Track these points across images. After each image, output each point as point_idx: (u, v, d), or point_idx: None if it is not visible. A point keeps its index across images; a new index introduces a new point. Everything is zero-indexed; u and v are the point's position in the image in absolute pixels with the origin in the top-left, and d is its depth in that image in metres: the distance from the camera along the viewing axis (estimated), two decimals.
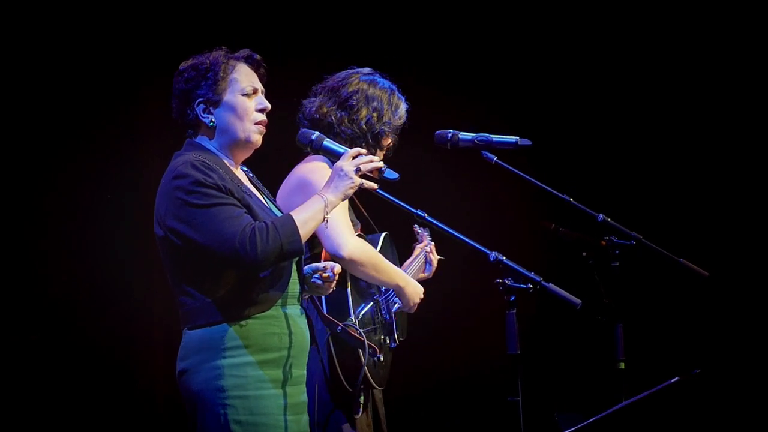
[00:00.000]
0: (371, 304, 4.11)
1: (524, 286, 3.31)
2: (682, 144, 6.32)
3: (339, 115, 4.17)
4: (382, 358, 4.04)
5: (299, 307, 3.43)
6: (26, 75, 5.30)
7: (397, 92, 4.30)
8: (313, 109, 4.19)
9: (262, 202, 3.46)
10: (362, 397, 4.02)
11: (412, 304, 4.17)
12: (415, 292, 4.18)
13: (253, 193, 3.44)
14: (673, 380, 3.55)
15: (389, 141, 4.27)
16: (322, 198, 3.35)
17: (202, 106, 3.39)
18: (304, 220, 3.30)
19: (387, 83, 4.30)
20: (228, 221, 3.20)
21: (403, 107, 4.30)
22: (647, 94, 6.36)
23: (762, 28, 6.15)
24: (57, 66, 5.36)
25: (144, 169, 5.55)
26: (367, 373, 3.97)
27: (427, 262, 4.57)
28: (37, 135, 5.34)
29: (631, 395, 3.64)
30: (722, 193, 6.26)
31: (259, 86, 3.46)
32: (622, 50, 6.34)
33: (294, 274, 3.41)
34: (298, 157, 4.16)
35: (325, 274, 3.50)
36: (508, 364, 3.32)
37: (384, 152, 4.28)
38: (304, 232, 3.29)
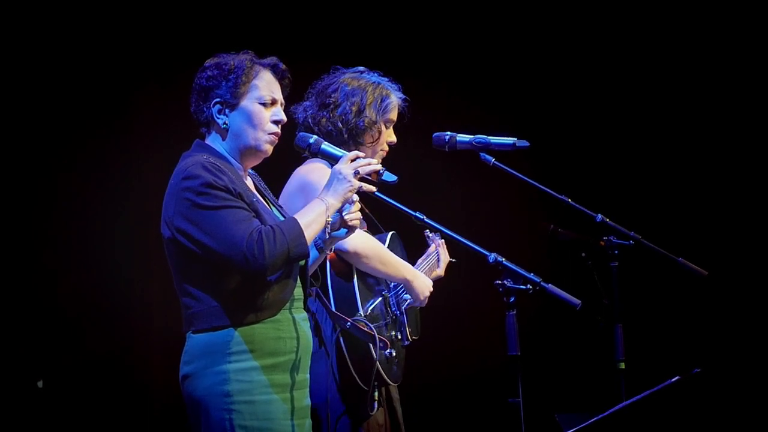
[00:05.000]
0: (380, 299, 4.10)
1: (524, 287, 3.31)
2: (680, 143, 6.33)
3: (320, 115, 4.18)
4: (394, 353, 4.05)
5: (304, 311, 3.43)
6: (24, 80, 5.30)
7: (386, 84, 4.27)
8: (300, 114, 4.20)
9: (267, 207, 3.46)
10: (377, 394, 4.01)
11: (422, 298, 4.17)
12: (425, 285, 4.18)
13: (259, 198, 3.44)
14: (673, 380, 3.55)
15: (373, 136, 4.21)
16: (323, 201, 3.35)
17: (218, 106, 3.38)
18: (308, 223, 3.29)
19: (374, 77, 4.28)
20: (237, 225, 3.20)
21: (394, 98, 4.26)
22: (645, 94, 6.36)
23: (762, 28, 6.15)
24: (56, 73, 5.36)
25: (141, 173, 5.55)
26: (380, 368, 3.96)
27: (439, 260, 4.55)
28: (35, 138, 5.34)
29: (631, 395, 3.64)
30: (720, 192, 6.26)
31: (279, 97, 3.44)
32: (620, 50, 6.34)
33: (299, 278, 3.41)
34: (301, 159, 4.17)
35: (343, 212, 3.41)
36: (508, 365, 3.32)
37: (373, 147, 4.23)
38: (309, 235, 3.28)
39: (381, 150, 4.28)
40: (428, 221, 3.41)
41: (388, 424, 4.18)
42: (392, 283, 4.18)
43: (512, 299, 3.34)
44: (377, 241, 4.07)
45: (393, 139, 4.32)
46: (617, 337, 4.27)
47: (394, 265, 4.10)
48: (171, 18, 5.62)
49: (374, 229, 4.39)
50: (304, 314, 3.43)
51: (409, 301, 4.20)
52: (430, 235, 4.64)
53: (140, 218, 5.42)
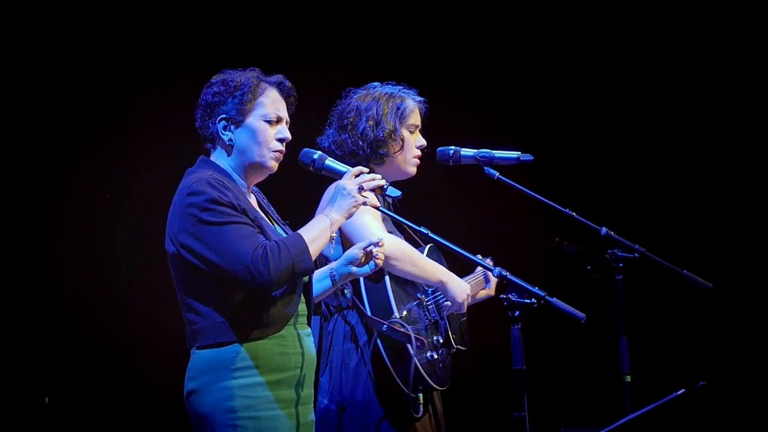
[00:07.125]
0: (416, 302, 4.07)
1: (528, 301, 3.31)
2: (684, 156, 6.33)
3: (341, 138, 4.19)
4: (435, 356, 4.02)
5: (308, 327, 3.44)
6: (25, 80, 5.31)
7: (399, 92, 4.26)
8: (325, 142, 4.22)
9: (270, 224, 3.46)
10: (421, 396, 3.98)
11: (459, 300, 4.10)
12: (461, 288, 4.12)
13: (262, 215, 3.44)
14: (679, 392, 3.56)
15: (397, 144, 4.19)
16: (327, 217, 3.37)
17: (223, 122, 3.40)
18: (312, 238, 3.31)
19: (386, 88, 4.28)
20: (241, 240, 3.21)
21: (410, 102, 4.23)
22: (649, 108, 6.37)
23: (762, 33, 6.16)
24: (56, 72, 5.37)
25: (141, 173, 5.54)
26: (420, 369, 3.94)
27: (486, 279, 4.48)
28: (35, 138, 5.34)
29: (637, 408, 3.65)
30: (725, 205, 6.26)
31: (285, 116, 3.46)
32: (624, 64, 6.35)
33: (303, 294, 3.42)
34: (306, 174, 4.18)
35: (368, 249, 3.48)
36: (513, 379, 3.32)
37: (402, 155, 4.20)
38: (313, 251, 3.30)
39: (414, 158, 4.26)
40: (433, 236, 3.42)
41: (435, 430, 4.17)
42: (430, 289, 4.14)
43: (517, 313, 3.34)
44: (408, 244, 4.04)
45: (422, 143, 4.28)
46: (623, 350, 4.27)
47: (427, 267, 4.06)
48: (171, 18, 5.62)
49: (413, 243, 4.39)
50: (309, 330, 3.43)
51: (448, 306, 4.15)
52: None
53: (140, 218, 5.40)
